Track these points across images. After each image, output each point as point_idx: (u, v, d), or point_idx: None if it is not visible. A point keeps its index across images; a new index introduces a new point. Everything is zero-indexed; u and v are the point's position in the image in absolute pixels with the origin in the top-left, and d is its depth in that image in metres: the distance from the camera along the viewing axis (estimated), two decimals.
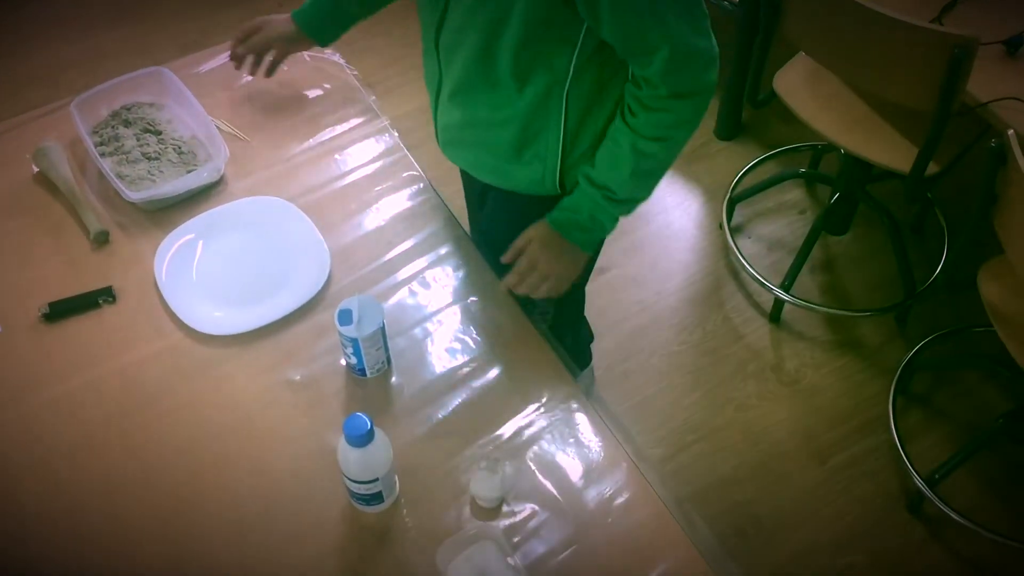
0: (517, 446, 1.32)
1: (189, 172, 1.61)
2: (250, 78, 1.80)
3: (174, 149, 1.65)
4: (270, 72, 1.71)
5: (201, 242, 1.55)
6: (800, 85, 2.23)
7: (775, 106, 2.28)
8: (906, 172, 2.01)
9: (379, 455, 1.18)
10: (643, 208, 2.84)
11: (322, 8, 1.63)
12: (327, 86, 1.82)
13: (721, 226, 2.69)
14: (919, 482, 2.12)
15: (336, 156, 1.69)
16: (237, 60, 1.70)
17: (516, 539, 1.23)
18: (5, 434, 1.34)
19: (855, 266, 2.61)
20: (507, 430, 1.34)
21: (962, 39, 1.70)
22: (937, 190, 2.66)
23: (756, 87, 2.28)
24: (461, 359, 1.42)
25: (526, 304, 1.50)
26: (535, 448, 1.32)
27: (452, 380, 1.39)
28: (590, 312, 2.52)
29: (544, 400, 1.37)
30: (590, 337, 2.20)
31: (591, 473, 1.30)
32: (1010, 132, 1.62)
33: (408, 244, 1.56)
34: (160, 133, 1.67)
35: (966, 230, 1.87)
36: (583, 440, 1.33)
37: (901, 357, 2.36)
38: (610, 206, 1.39)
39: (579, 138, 1.41)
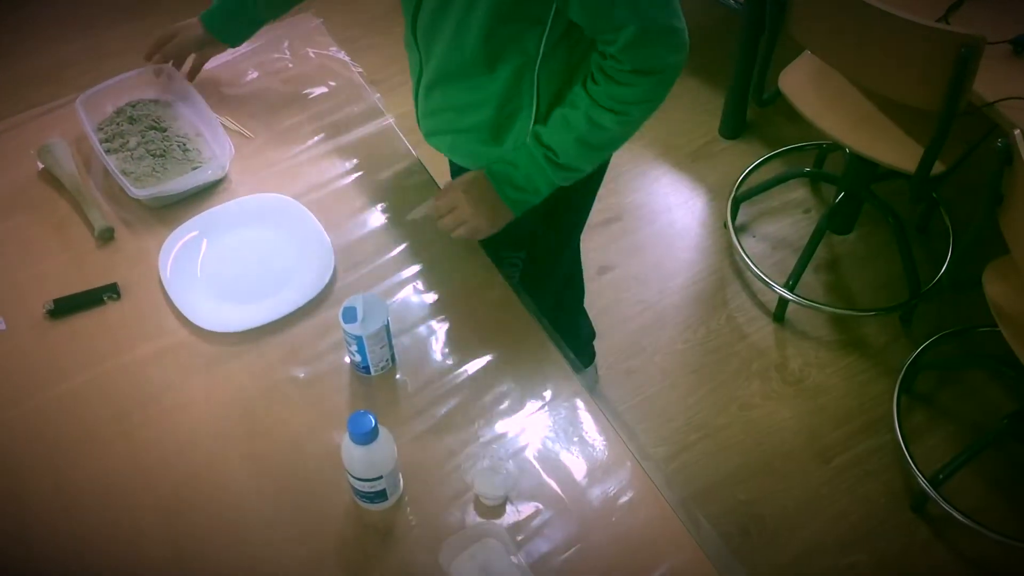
0: (521, 444, 1.32)
1: (194, 169, 1.61)
2: (255, 75, 1.80)
3: (179, 146, 1.65)
4: (192, 76, 1.75)
5: (206, 239, 1.55)
6: (805, 84, 2.22)
7: (780, 105, 2.28)
8: (912, 171, 2.00)
9: (383, 453, 1.18)
10: (647, 207, 2.85)
11: (229, 11, 1.66)
12: (332, 83, 1.82)
13: (725, 225, 2.69)
14: (923, 482, 2.12)
15: (340, 153, 1.69)
16: (156, 67, 1.72)
17: (520, 537, 1.23)
18: (9, 431, 1.34)
19: (860, 265, 2.61)
20: (511, 428, 1.34)
21: (969, 38, 1.69)
22: (942, 189, 2.66)
23: (761, 86, 2.28)
24: (465, 357, 1.41)
25: (495, 256, 1.52)
26: (539, 446, 1.32)
27: (456, 378, 1.39)
28: (593, 310, 2.52)
29: (548, 398, 1.37)
30: (591, 334, 2.20)
31: (595, 472, 1.29)
32: (1016, 132, 1.61)
33: (412, 242, 1.56)
34: (165, 130, 1.67)
35: (971, 230, 1.86)
36: (587, 439, 1.33)
37: (905, 357, 2.36)
38: (549, 168, 1.38)
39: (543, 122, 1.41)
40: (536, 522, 1.24)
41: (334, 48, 1.89)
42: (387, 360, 1.38)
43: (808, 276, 2.53)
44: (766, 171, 2.82)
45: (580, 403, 1.36)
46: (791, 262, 2.51)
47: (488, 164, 1.43)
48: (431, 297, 1.49)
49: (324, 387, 1.38)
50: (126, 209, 1.60)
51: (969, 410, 2.31)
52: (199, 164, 1.62)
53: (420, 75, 1.48)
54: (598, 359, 2.38)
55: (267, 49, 1.88)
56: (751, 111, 2.93)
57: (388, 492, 1.23)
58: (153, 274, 1.50)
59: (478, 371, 1.40)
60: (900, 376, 2.32)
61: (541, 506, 1.26)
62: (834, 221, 2.51)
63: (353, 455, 1.17)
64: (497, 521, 1.24)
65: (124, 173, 1.58)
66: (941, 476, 2.10)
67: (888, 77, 1.92)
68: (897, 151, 2.06)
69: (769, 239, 2.67)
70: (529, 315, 1.46)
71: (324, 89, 1.81)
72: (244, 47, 1.84)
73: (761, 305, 2.53)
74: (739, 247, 2.61)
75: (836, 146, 2.60)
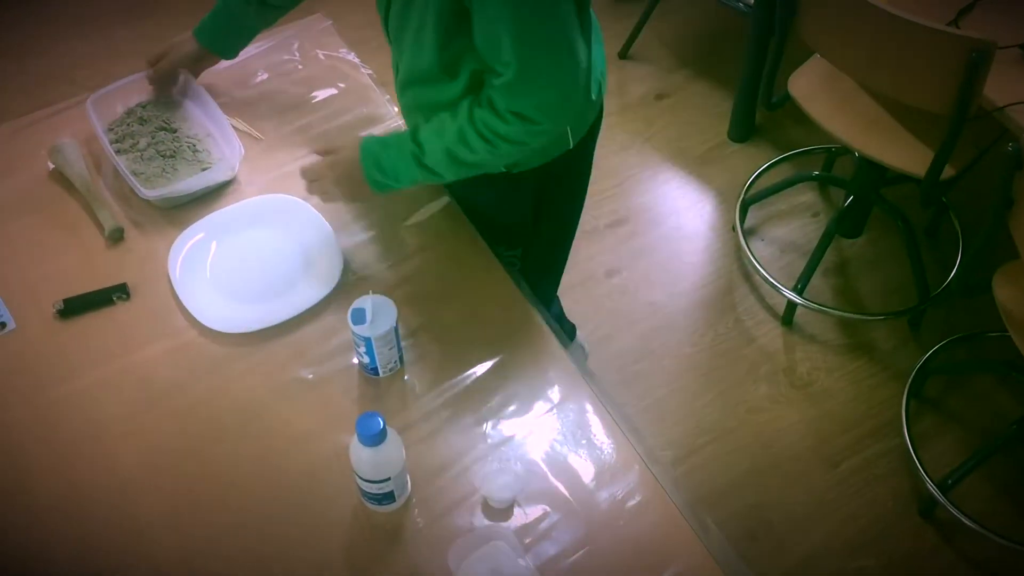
0: (529, 447, 1.32)
1: (204, 170, 1.61)
2: (265, 76, 1.80)
3: (189, 147, 1.65)
4: (184, 91, 1.74)
5: (215, 240, 1.55)
6: (815, 87, 2.22)
7: (789, 108, 2.28)
8: (921, 176, 2.00)
9: (391, 454, 1.18)
10: (656, 210, 2.84)
11: (222, 24, 1.66)
12: (341, 85, 1.82)
13: (734, 228, 2.68)
14: (932, 487, 2.11)
15: None
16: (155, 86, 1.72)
17: (528, 540, 1.23)
18: (19, 430, 1.34)
19: (868, 269, 2.60)
20: (519, 430, 1.34)
21: (979, 43, 1.69)
22: (951, 194, 2.65)
23: (771, 89, 2.28)
24: (473, 359, 1.41)
25: (494, 247, 1.55)
26: (547, 449, 1.32)
27: (464, 380, 1.39)
28: (601, 312, 2.52)
29: (556, 401, 1.37)
30: (571, 331, 2.21)
31: (603, 475, 1.29)
32: None
33: (421, 243, 1.56)
34: (175, 131, 1.68)
35: (981, 234, 1.85)
36: (595, 442, 1.33)
37: (914, 361, 2.35)
38: (414, 164, 1.39)
39: None
40: (544, 525, 1.24)
41: (344, 50, 1.89)
42: (395, 361, 1.38)
43: (817, 280, 2.52)
44: (775, 174, 2.81)
45: (588, 406, 1.36)
46: (799, 266, 2.51)
47: (365, 140, 1.44)
48: (439, 298, 1.49)
49: (332, 388, 1.38)
50: (136, 209, 1.60)
51: (978, 415, 2.30)
52: (209, 165, 1.63)
53: (397, 68, 1.50)
54: (606, 362, 2.38)
55: (277, 51, 1.88)
56: (760, 114, 2.92)
57: (396, 494, 1.23)
58: (162, 274, 1.50)
59: (486, 373, 1.40)
60: (909, 380, 2.31)
61: (549, 509, 1.26)
62: (843, 225, 2.51)
63: (361, 456, 1.17)
64: (505, 524, 1.24)
65: (134, 174, 1.59)
66: (950, 481, 2.09)
67: (898, 81, 1.91)
68: (907, 155, 2.06)
69: (777, 243, 2.66)
70: (537, 317, 1.46)
71: (333, 91, 1.81)
72: (253, 48, 1.84)
73: (769, 309, 2.52)
74: (747, 250, 2.61)
75: (845, 150, 2.59)
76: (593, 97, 1.43)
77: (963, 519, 2.08)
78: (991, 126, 1.96)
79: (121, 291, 1.48)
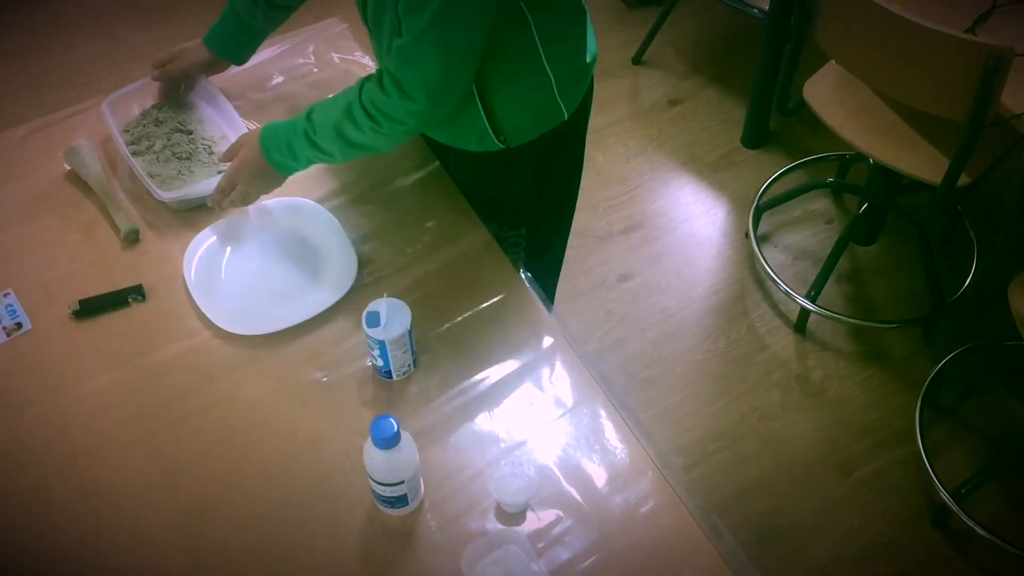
0: (542, 451, 1.32)
1: (220, 172, 1.62)
2: (280, 79, 1.81)
3: (204, 149, 1.66)
4: (179, 98, 1.75)
5: (230, 242, 1.55)
6: (830, 94, 2.22)
7: (802, 115, 2.27)
8: (937, 183, 1.99)
9: (405, 457, 1.18)
10: (668, 215, 2.84)
11: (230, 29, 1.67)
12: None
13: (747, 235, 2.68)
14: (945, 496, 2.10)
15: (364, 158, 1.69)
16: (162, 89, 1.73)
17: (541, 545, 1.22)
18: (34, 430, 1.35)
19: (882, 277, 2.59)
20: (533, 435, 1.34)
21: (997, 50, 1.68)
22: (966, 201, 2.64)
23: (786, 95, 2.27)
24: (488, 362, 1.41)
25: (497, 237, 1.58)
26: (560, 454, 1.32)
27: (478, 384, 1.39)
28: (613, 318, 2.52)
29: (570, 406, 1.37)
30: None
31: (616, 480, 1.29)
32: None
33: (436, 247, 1.56)
34: (191, 133, 1.68)
35: (998, 242, 1.84)
36: (608, 447, 1.33)
37: (928, 370, 2.34)
38: (306, 142, 1.41)
39: (489, 98, 1.44)
40: (557, 529, 1.24)
41: (359, 53, 1.90)
42: (409, 365, 1.38)
43: (830, 287, 2.51)
44: (788, 181, 2.81)
45: (602, 411, 1.36)
46: (812, 273, 2.50)
47: (263, 127, 1.46)
48: (453, 302, 1.49)
49: (346, 391, 1.39)
50: (152, 211, 1.61)
51: (992, 424, 2.28)
52: (225, 167, 1.63)
53: (380, 58, 1.52)
54: (619, 367, 2.37)
55: (292, 54, 1.89)
56: (773, 121, 2.92)
57: (409, 497, 1.23)
58: (178, 276, 1.51)
59: (500, 377, 1.40)
60: (923, 389, 2.30)
61: (562, 513, 1.26)
62: (857, 232, 2.50)
63: (375, 459, 1.17)
64: (518, 528, 1.24)
65: (150, 175, 1.59)
66: (964, 490, 2.08)
67: (914, 88, 1.91)
68: (922, 162, 2.05)
69: (791, 249, 2.66)
70: (552, 321, 1.46)
71: None
72: (269, 52, 1.85)
73: (782, 315, 2.51)
74: (760, 257, 2.60)
75: (859, 157, 2.59)
76: (588, 60, 1.52)
77: (977, 529, 2.06)
78: (1008, 134, 1.95)
79: (136, 292, 1.49)
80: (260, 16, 1.64)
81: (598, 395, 1.38)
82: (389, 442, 1.15)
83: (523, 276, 1.52)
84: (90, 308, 1.47)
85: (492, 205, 1.63)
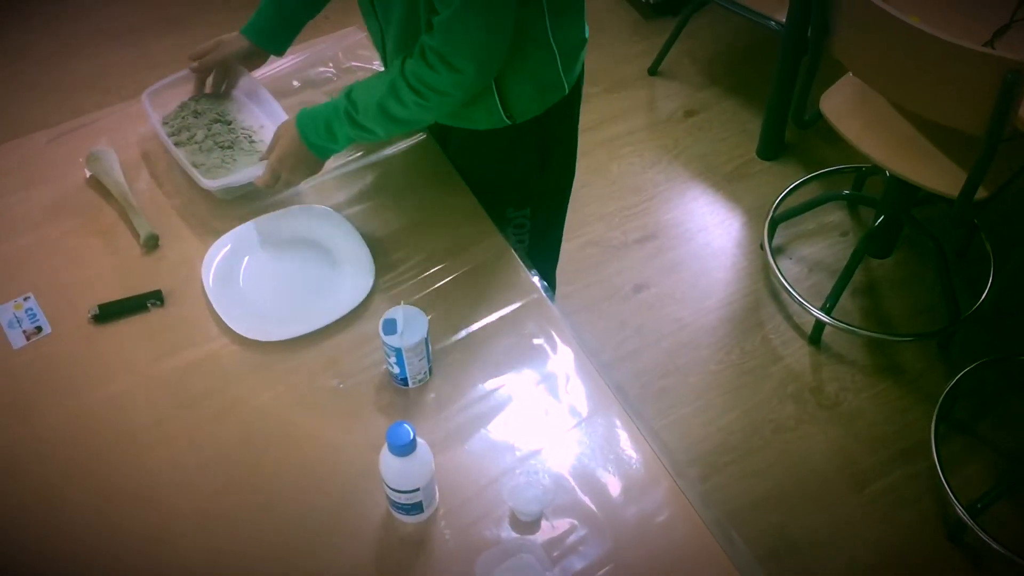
0: (557, 460, 1.32)
1: (263, 160, 1.62)
2: (300, 86, 1.82)
3: (245, 138, 1.67)
4: (217, 89, 1.76)
5: (248, 248, 1.56)
6: (847, 106, 2.22)
7: (818, 127, 2.27)
8: (954, 196, 1.99)
9: (421, 465, 1.19)
10: (684, 226, 2.84)
11: (269, 19, 1.69)
12: None
13: (762, 246, 2.67)
14: (960, 511, 2.08)
15: (382, 166, 1.71)
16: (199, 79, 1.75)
17: (555, 554, 1.22)
18: (52, 433, 1.36)
19: (898, 290, 2.58)
20: (548, 444, 1.34)
21: (1015, 64, 1.68)
22: (982, 214, 2.63)
23: (803, 107, 2.27)
24: (503, 371, 1.42)
25: (501, 218, 1.61)
26: (575, 463, 1.32)
27: (494, 392, 1.39)
28: (627, 328, 2.52)
29: (585, 415, 1.37)
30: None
31: (631, 490, 1.29)
32: None
33: (453, 256, 1.56)
34: (230, 123, 1.70)
35: (1016, 256, 1.84)
36: (623, 456, 1.33)
37: (943, 383, 2.33)
38: (347, 122, 1.43)
39: (501, 73, 1.45)
40: (571, 539, 1.24)
41: (377, 62, 1.91)
42: (425, 372, 1.39)
43: (845, 300, 2.51)
44: (804, 193, 2.81)
45: (617, 421, 1.36)
46: (827, 285, 2.50)
47: (299, 114, 1.49)
48: (470, 311, 1.49)
49: (362, 398, 1.39)
50: (171, 217, 1.62)
51: (1008, 439, 2.27)
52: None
53: (383, 41, 1.53)
54: (631, 377, 2.37)
55: (312, 62, 1.90)
56: (789, 132, 2.92)
57: (424, 504, 1.23)
58: (196, 282, 1.52)
59: (515, 385, 1.40)
60: (938, 403, 2.29)
61: (576, 523, 1.26)
62: (873, 244, 2.49)
63: (391, 466, 1.18)
64: (532, 537, 1.24)
65: (195, 165, 1.61)
66: (979, 505, 2.07)
67: (932, 100, 1.91)
68: (940, 175, 2.05)
69: (806, 261, 2.65)
70: (568, 331, 1.47)
71: None
72: (289, 60, 1.86)
73: (797, 327, 2.51)
74: (776, 269, 2.60)
75: (875, 169, 2.58)
76: (585, 35, 1.54)
77: (992, 544, 2.05)
78: None
79: (155, 298, 1.50)
80: (300, 4, 1.66)
81: (613, 405, 1.38)
82: (405, 449, 1.15)
83: (539, 285, 1.52)
84: (109, 312, 1.48)
85: (497, 186, 1.64)
